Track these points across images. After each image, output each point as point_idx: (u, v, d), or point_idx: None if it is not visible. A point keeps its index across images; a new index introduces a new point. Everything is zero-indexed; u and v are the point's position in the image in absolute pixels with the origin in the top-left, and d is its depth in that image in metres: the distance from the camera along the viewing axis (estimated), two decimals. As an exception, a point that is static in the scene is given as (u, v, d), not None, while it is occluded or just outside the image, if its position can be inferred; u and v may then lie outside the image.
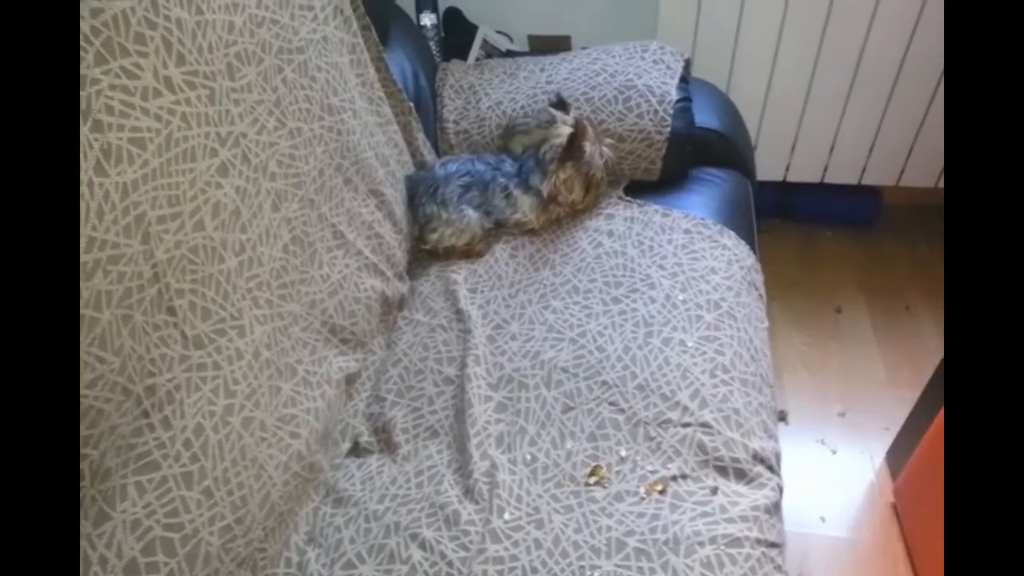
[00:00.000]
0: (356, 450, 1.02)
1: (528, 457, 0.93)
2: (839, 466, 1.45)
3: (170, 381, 0.76)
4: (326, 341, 1.01)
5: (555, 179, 1.22)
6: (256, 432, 0.84)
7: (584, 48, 1.51)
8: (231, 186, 0.85)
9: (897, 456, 1.40)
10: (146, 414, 0.74)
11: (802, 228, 2.00)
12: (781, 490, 0.92)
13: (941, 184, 1.79)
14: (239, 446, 0.82)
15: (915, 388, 1.35)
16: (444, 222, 1.23)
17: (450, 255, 1.27)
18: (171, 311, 0.77)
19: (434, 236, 1.25)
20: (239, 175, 0.87)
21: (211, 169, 0.82)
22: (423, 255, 1.30)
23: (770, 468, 0.93)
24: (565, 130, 1.22)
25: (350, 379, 1.05)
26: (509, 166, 1.27)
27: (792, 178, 1.87)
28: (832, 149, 1.79)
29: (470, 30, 1.75)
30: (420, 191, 1.25)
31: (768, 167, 1.82)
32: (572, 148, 1.21)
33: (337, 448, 1.00)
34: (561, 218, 1.28)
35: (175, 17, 0.78)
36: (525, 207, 1.25)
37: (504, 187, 1.25)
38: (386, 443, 1.01)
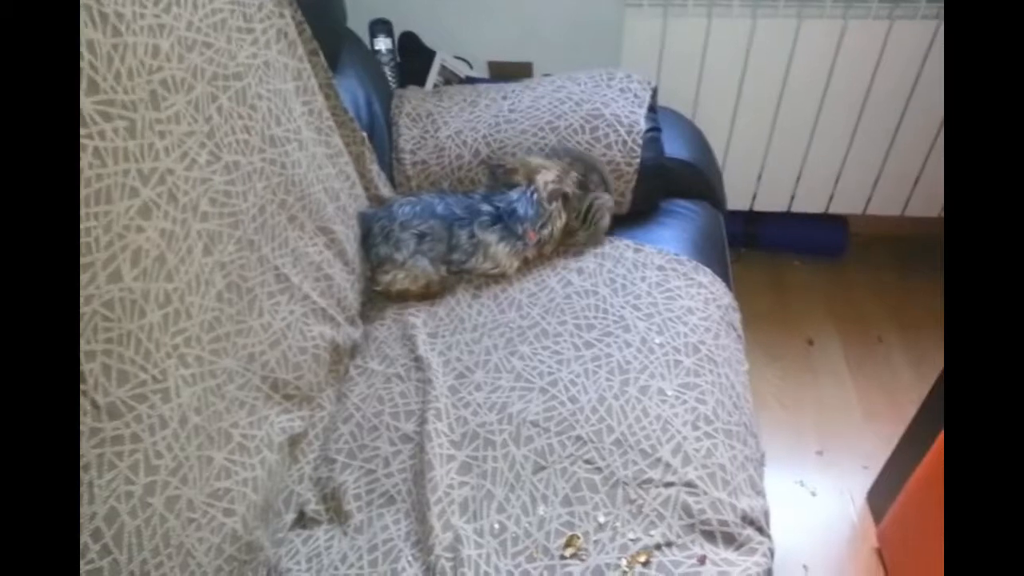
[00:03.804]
0: (302, 521, 0.91)
1: (496, 526, 0.84)
2: (820, 509, 1.39)
3: (77, 460, 0.65)
4: (267, 399, 0.91)
5: (557, 222, 1.16)
6: (183, 513, 0.73)
7: (547, 75, 1.45)
8: (154, 229, 0.75)
9: (879, 497, 1.34)
10: (44, 503, 0.62)
11: (770, 257, 1.96)
12: (772, 554, 0.85)
13: (908, 213, 1.78)
14: (161, 531, 0.71)
15: (891, 423, 1.30)
16: (398, 265, 1.14)
17: (405, 298, 1.17)
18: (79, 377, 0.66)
19: (386, 278, 1.15)
20: (164, 216, 0.76)
21: (131, 211, 0.72)
22: (378, 297, 1.20)
23: (760, 530, 0.86)
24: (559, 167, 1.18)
25: (295, 440, 0.94)
26: (484, 212, 1.16)
27: (759, 207, 1.84)
28: (799, 178, 1.76)
29: (427, 55, 1.68)
30: (375, 230, 1.15)
31: (735, 196, 1.77)
32: (587, 184, 1.18)
33: (280, 520, 0.89)
34: (531, 258, 1.20)
35: (87, 39, 0.68)
36: (500, 257, 1.15)
37: (472, 235, 1.14)
38: (336, 512, 0.90)
